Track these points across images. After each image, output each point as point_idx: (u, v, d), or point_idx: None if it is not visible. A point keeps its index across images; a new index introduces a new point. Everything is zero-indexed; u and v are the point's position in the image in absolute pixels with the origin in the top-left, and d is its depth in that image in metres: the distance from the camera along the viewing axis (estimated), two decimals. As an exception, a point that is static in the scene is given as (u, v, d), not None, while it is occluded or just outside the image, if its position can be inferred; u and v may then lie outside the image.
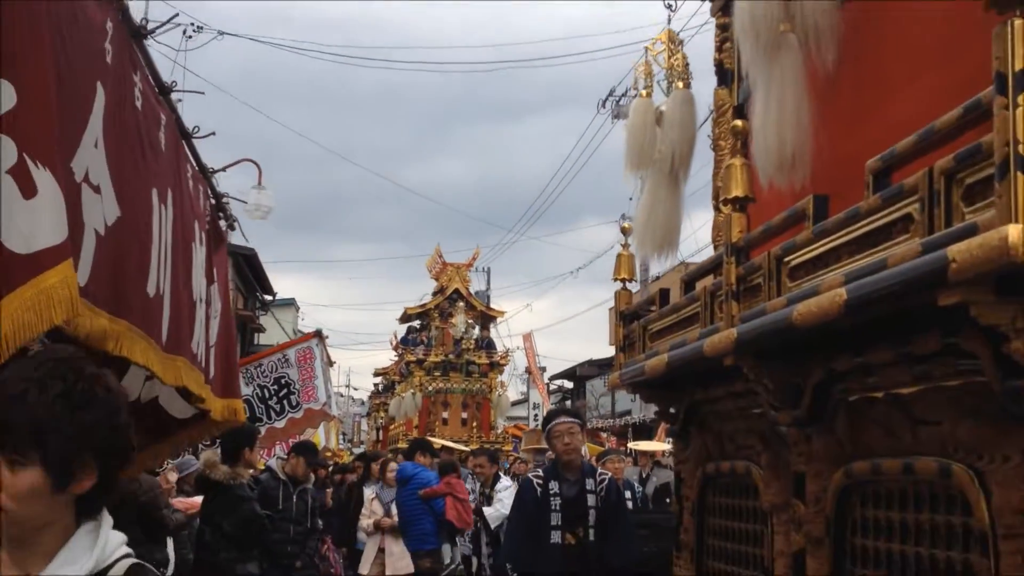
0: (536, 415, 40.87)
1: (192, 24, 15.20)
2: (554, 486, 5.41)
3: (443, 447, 11.43)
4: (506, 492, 8.70)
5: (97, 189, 2.32)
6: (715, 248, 3.64)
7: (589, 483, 5.45)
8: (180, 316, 3.01)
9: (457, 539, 9.46)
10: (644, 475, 11.72)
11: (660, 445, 13.86)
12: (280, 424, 9.13)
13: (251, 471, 6.47)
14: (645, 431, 17.45)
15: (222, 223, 4.33)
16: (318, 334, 9.46)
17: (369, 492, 9.62)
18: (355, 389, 69.98)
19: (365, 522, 9.15)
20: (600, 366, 40.40)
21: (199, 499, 7.20)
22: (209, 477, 6.00)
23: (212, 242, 3.75)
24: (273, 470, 7.00)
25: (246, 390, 9.12)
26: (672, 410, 3.78)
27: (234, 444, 6.26)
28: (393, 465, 9.64)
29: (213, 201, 3.95)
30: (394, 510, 8.99)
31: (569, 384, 46.89)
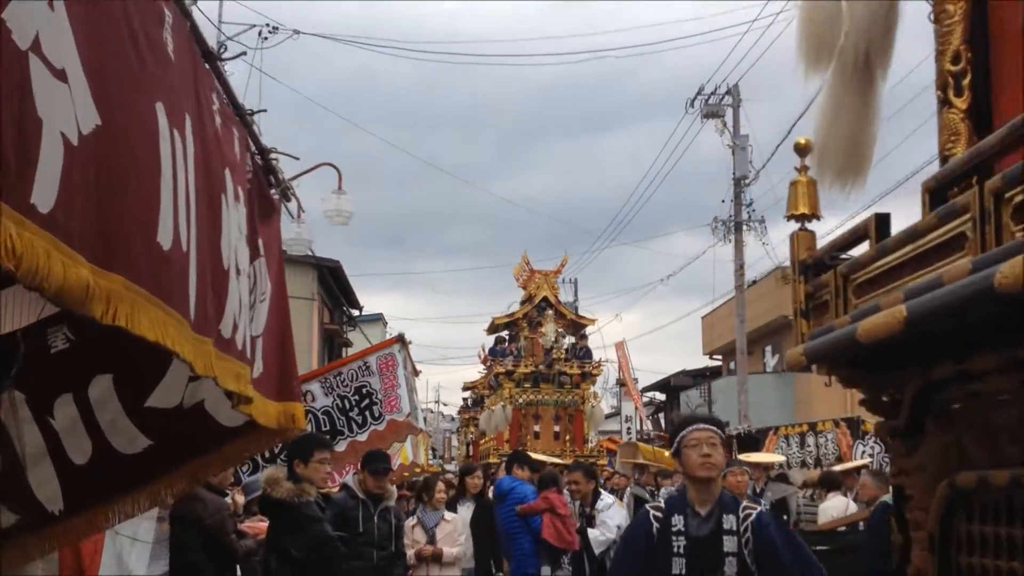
0: (628, 428, 39.83)
1: (268, 25, 14.78)
2: (678, 521, 3.96)
3: (540, 462, 10.69)
4: (609, 512, 7.90)
5: (61, 75, 1.59)
6: (943, 155, 2.75)
7: (728, 520, 3.94)
8: (205, 285, 2.27)
9: (562, 560, 8.59)
10: (757, 490, 10.73)
11: (774, 457, 12.83)
12: (363, 437, 8.43)
13: (321, 488, 5.71)
14: (752, 443, 16.35)
15: (273, 191, 3.60)
16: (400, 339, 8.74)
17: (411, 519, 8.33)
18: (444, 405, 69.77)
19: (409, 552, 7.98)
20: (695, 376, 39.14)
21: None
22: (271, 496, 5.28)
23: (256, 205, 3.03)
24: (350, 487, 6.31)
25: (325, 400, 8.47)
26: (885, 397, 2.83)
27: (289, 456, 5.56)
28: (441, 486, 8.65)
29: (257, 155, 3.22)
30: (439, 534, 7.96)
31: (661, 396, 45.74)
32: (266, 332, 3.39)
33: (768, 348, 35.22)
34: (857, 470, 10.41)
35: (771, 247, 35.60)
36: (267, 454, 8.32)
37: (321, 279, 23.01)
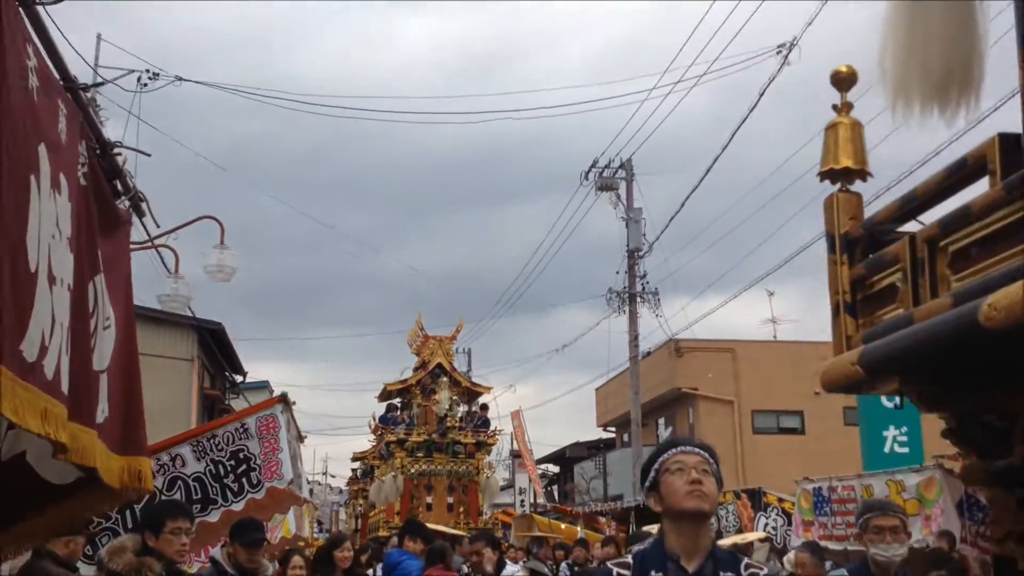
0: (522, 500, 39.11)
1: (147, 71, 14.06)
2: None
3: (439, 532, 9.87)
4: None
5: None
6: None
7: None
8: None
9: None
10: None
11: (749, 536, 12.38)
12: (239, 507, 7.62)
13: (178, 562, 4.90)
14: (652, 516, 15.95)
15: (121, 200, 2.99)
16: (283, 399, 8.00)
17: None
18: (332, 476, 67.81)
19: None
20: (589, 448, 38.83)
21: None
22: (108, 568, 4.50)
23: (94, 211, 2.43)
24: (218, 562, 5.54)
25: (197, 466, 7.67)
26: (979, 426, 2.06)
27: (140, 524, 4.83)
28: (297, 559, 7.84)
29: (97, 149, 2.61)
30: None
31: (555, 468, 45.22)
32: (111, 370, 2.77)
33: (662, 420, 35.22)
34: (751, 543, 10.06)
35: (664, 319, 35.74)
36: (129, 524, 7.52)
37: (202, 342, 21.94)
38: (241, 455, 7.75)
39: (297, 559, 7.45)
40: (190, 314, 17.30)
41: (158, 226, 5.07)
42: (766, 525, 12.30)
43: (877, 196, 19.32)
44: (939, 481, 9.58)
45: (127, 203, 3.02)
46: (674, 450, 3.02)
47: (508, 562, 7.74)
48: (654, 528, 11.83)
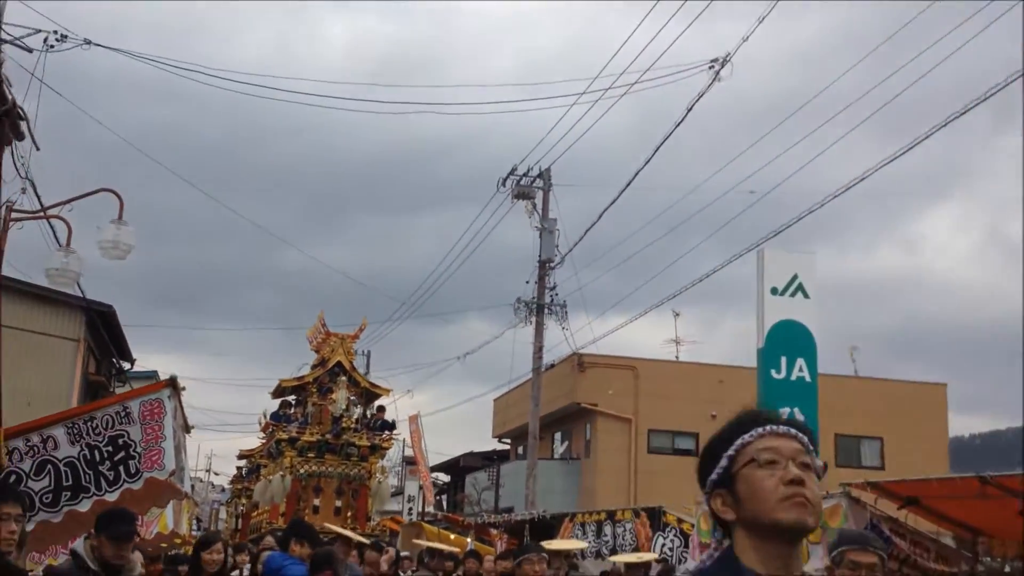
0: (411, 508, 38.46)
1: (55, 32, 13.16)
2: None
3: (337, 536, 9.03)
4: None
5: None
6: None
7: None
8: None
9: None
10: (557, 580, 9.94)
11: (576, 543, 12.08)
12: (112, 496, 6.98)
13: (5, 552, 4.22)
14: (546, 529, 15.59)
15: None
16: (172, 383, 7.38)
17: None
18: (216, 474, 65.98)
19: None
20: (485, 458, 38.42)
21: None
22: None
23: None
24: (79, 555, 4.89)
25: (70, 450, 7.02)
26: None
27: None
28: (219, 545, 6.99)
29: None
30: None
31: (446, 478, 44.70)
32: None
33: (558, 435, 35.06)
34: (648, 564, 9.82)
35: (570, 332, 35.60)
36: None
37: (90, 323, 20.81)
38: (120, 441, 7.13)
39: (219, 545, 6.84)
40: (79, 292, 16.32)
41: (38, 148, 4.48)
42: (663, 545, 12.09)
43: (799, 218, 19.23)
44: (844, 509, 9.46)
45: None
46: (761, 429, 2.06)
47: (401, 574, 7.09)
48: (555, 544, 11.47)
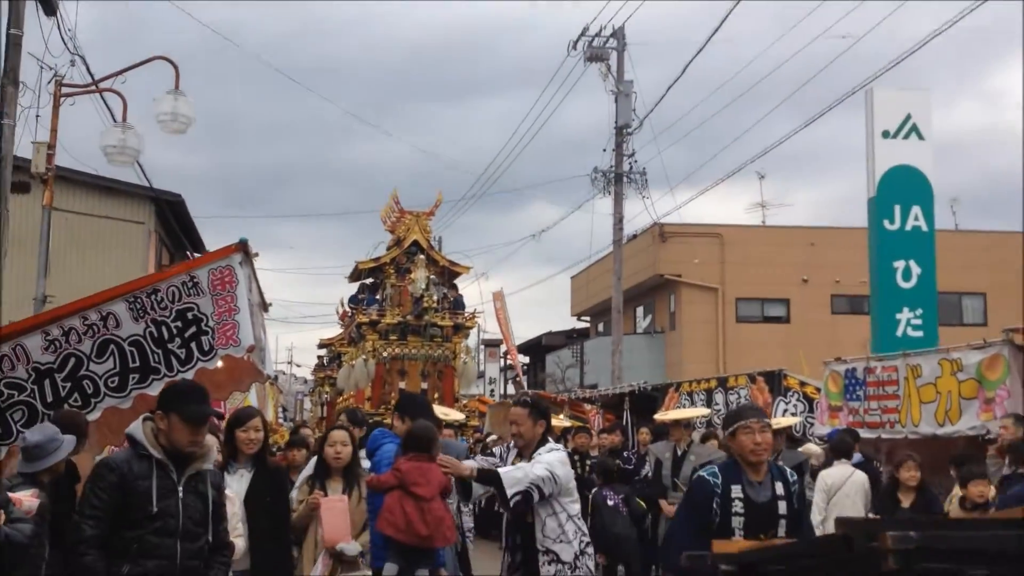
0: (492, 391, 38.10)
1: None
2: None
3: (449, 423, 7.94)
4: (551, 455, 5.53)
5: None
6: None
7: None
8: None
9: (440, 555, 5.84)
10: (680, 452, 8.99)
11: (699, 411, 11.16)
12: (187, 377, 6.15)
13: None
14: (648, 402, 14.71)
15: None
16: (242, 247, 6.40)
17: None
18: (298, 366, 66.71)
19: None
20: (569, 336, 37.73)
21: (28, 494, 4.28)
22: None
23: None
24: (138, 441, 3.93)
25: (134, 327, 6.15)
26: None
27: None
28: (256, 421, 5.93)
29: None
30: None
31: (524, 359, 44.24)
32: None
33: (640, 309, 34.09)
34: (781, 431, 8.82)
35: (650, 201, 34.30)
36: (49, 397, 6.03)
37: (160, 215, 20.17)
38: (189, 315, 6.23)
39: (256, 421, 5.79)
40: (143, 178, 15.50)
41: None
42: (785, 411, 11.08)
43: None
44: (1006, 359, 8.29)
45: None
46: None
47: (551, 441, 5.91)
48: (672, 412, 10.53)
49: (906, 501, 7.35)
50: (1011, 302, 28.90)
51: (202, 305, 6.23)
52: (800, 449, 9.38)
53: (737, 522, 4.41)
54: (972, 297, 30.93)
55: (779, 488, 4.53)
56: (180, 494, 3.89)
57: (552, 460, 5.40)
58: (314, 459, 6.46)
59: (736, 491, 4.46)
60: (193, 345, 6.21)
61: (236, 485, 5.56)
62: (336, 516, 5.56)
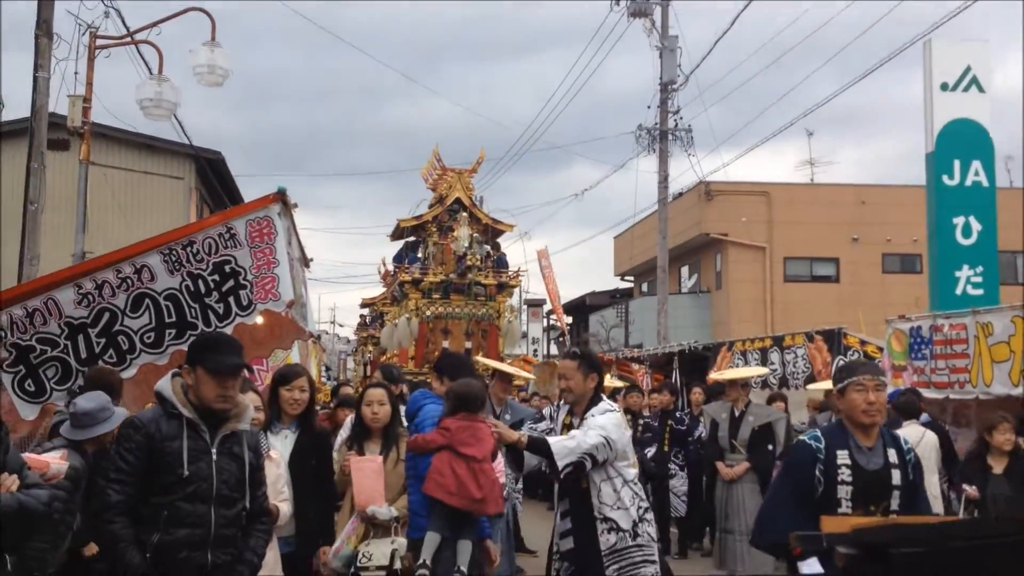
0: (535, 351, 37.84)
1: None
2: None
3: (494, 372, 7.50)
4: (605, 417, 5.16)
5: None
6: None
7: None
8: None
9: (491, 526, 5.53)
10: (737, 413, 8.63)
11: (758, 370, 10.76)
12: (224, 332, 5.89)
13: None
14: (699, 361, 14.32)
15: None
16: (281, 197, 6.13)
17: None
18: (341, 326, 66.97)
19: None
20: (612, 296, 37.30)
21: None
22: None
23: None
24: (167, 399, 3.60)
25: (170, 281, 5.91)
26: None
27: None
28: (302, 381, 5.52)
29: None
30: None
31: (567, 320, 43.91)
32: None
33: (685, 268, 33.56)
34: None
35: (696, 159, 33.64)
36: (83, 353, 5.80)
37: (200, 172, 20.00)
38: (227, 268, 5.97)
39: (302, 380, 5.44)
40: (181, 133, 15.27)
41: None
42: (844, 371, 10.65)
43: None
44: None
45: None
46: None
47: (603, 399, 5.51)
48: (729, 372, 10.15)
49: (998, 467, 6.95)
50: (1070, 260, 28.01)
51: (240, 258, 5.97)
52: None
53: (844, 492, 3.89)
54: (1027, 256, 30.02)
55: (892, 455, 4.02)
56: (214, 456, 3.57)
57: (607, 424, 5.04)
58: (348, 419, 6.20)
59: (843, 457, 3.96)
60: (231, 299, 5.96)
61: (280, 446, 5.27)
62: (368, 478, 5.23)
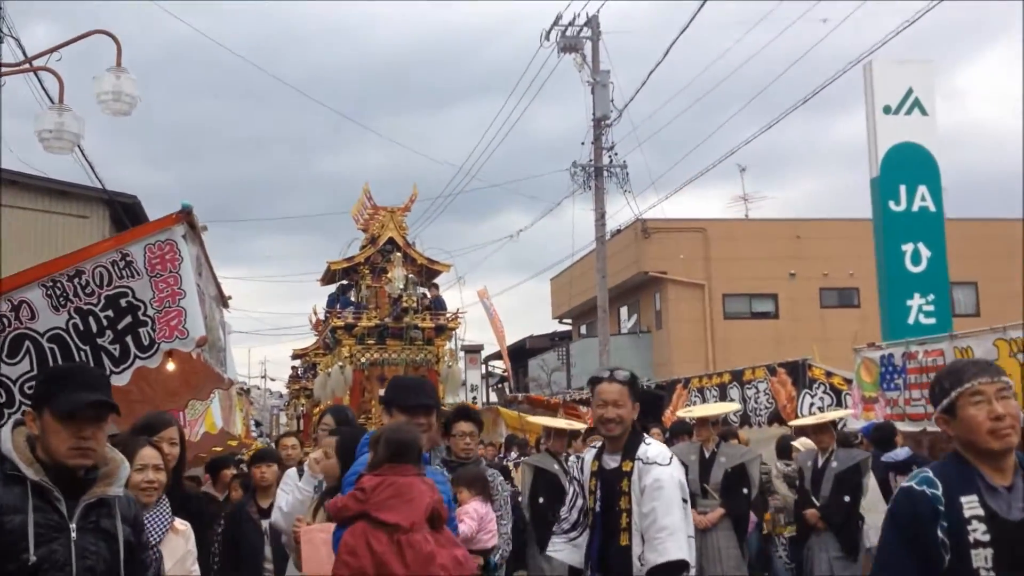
0: (474, 398, 36.87)
1: None
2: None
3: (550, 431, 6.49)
4: (675, 468, 4.35)
5: None
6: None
7: None
8: None
9: None
10: (707, 455, 7.86)
11: (727, 406, 10.06)
12: (122, 380, 4.94)
13: None
14: (652, 400, 13.61)
15: None
16: (186, 215, 5.23)
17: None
18: (272, 380, 65.17)
19: None
20: (551, 339, 36.60)
21: None
22: None
23: None
24: (6, 456, 2.63)
25: (55, 319, 4.97)
26: None
27: None
28: (291, 439, 4.92)
29: None
30: (165, 553, 4.26)
31: (503, 366, 43.08)
32: None
33: (624, 309, 33.02)
34: (832, 424, 7.75)
35: (632, 196, 33.26)
36: None
37: (115, 218, 18.84)
38: (123, 302, 5.03)
39: (171, 431, 4.73)
40: (79, 153, 14.01)
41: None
42: (811, 404, 10.01)
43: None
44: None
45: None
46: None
47: (646, 436, 4.63)
48: (698, 408, 9.40)
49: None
50: (1002, 291, 28.09)
51: (138, 289, 5.03)
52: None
53: (981, 557, 2.68)
54: (964, 287, 30.09)
55: None
56: (73, 534, 2.65)
57: (679, 478, 4.31)
58: (291, 472, 5.43)
59: (971, 506, 2.74)
60: (129, 339, 5.01)
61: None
62: (315, 549, 4.34)
